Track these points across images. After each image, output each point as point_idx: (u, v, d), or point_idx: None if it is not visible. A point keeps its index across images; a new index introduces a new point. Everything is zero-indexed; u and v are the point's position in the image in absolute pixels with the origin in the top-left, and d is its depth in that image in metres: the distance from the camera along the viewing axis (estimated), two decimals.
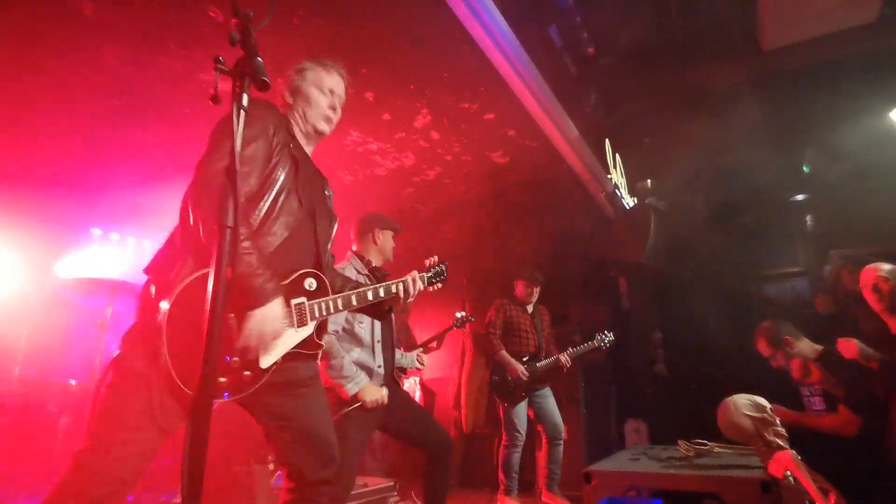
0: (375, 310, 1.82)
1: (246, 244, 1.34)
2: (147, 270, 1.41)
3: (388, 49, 3.14)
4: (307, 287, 1.56)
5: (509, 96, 3.47)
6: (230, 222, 1.03)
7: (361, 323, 2.50)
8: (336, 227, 1.80)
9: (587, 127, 4.22)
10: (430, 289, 1.89)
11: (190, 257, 1.35)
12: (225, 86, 1.02)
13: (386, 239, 2.73)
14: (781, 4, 3.51)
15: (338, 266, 2.53)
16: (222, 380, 1.36)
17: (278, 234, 1.48)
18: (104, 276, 3.90)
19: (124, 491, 1.30)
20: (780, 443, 2.10)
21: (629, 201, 4.94)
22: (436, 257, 1.94)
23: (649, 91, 4.32)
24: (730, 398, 2.31)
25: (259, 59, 1.08)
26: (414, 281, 1.81)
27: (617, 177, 4.68)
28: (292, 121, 1.68)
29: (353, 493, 3.35)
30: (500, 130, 4.11)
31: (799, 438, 2.29)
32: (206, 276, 1.27)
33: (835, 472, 2.37)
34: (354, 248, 2.76)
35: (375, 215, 2.79)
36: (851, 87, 4.03)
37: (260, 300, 1.34)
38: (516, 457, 3.86)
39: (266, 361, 1.44)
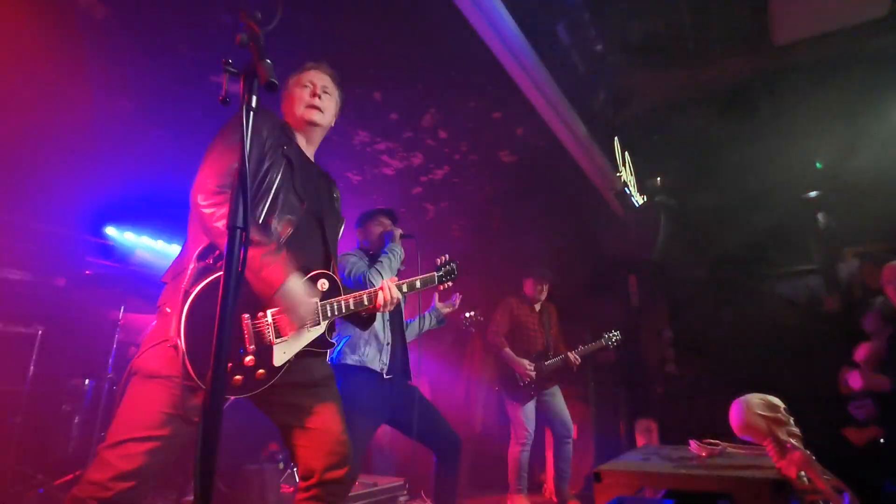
0: (359, 318, 1.80)
1: (262, 249, 1.39)
2: (164, 278, 1.48)
3: (396, 48, 3.14)
4: (320, 287, 1.59)
5: (517, 95, 3.46)
6: (240, 223, 1.03)
7: None
8: (343, 228, 1.83)
9: (595, 125, 4.19)
10: (442, 287, 1.90)
11: (201, 262, 1.41)
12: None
13: (376, 230, 2.76)
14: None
15: (340, 256, 2.54)
16: (237, 377, 1.39)
17: (283, 231, 1.53)
18: (118, 276, 3.94)
19: (145, 486, 1.33)
20: (794, 443, 2.08)
21: (638, 199, 4.91)
22: (447, 255, 1.94)
23: (658, 88, 4.29)
24: (743, 398, 2.29)
25: (268, 60, 1.08)
26: (391, 287, 1.77)
27: (626, 174, 4.65)
28: (294, 127, 1.75)
29: (363, 492, 3.36)
30: (507, 129, 4.10)
31: (813, 439, 2.26)
32: (219, 280, 1.33)
33: (849, 471, 2.34)
34: (359, 242, 2.81)
35: (376, 210, 2.83)
36: (864, 82, 3.98)
37: (279, 279, 1.39)
38: (525, 456, 3.85)
39: (280, 359, 1.46)
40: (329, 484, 1.56)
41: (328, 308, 1.59)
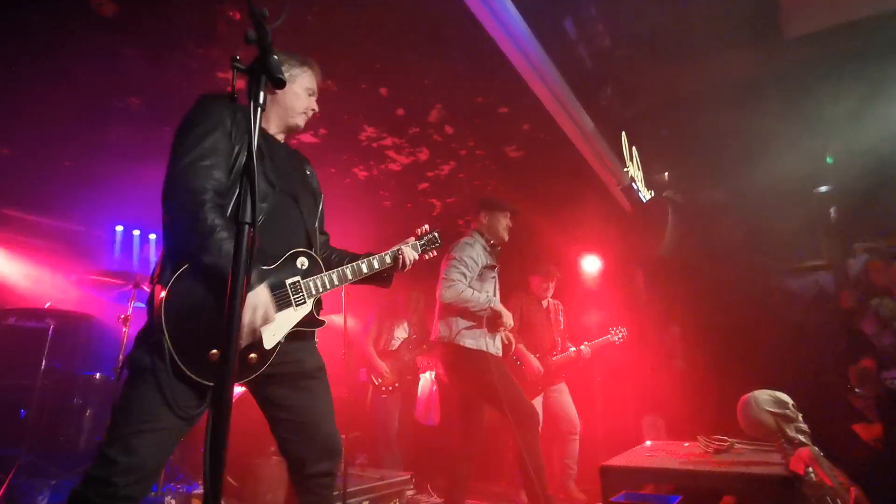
0: (378, 279, 1.85)
1: (224, 234, 1.36)
2: (152, 279, 1.47)
3: (402, 44, 3.14)
4: (299, 266, 1.59)
5: (524, 89, 3.44)
6: (248, 219, 1.04)
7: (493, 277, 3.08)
8: (322, 203, 1.81)
9: (603, 120, 4.16)
10: (426, 256, 1.93)
11: (174, 253, 1.41)
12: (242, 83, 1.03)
13: (501, 221, 3.23)
14: None
15: (463, 240, 3.14)
16: None
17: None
18: (127, 272, 3.97)
19: (148, 480, 1.34)
20: (802, 439, 2.07)
21: (646, 194, 4.88)
22: (427, 226, 1.98)
23: (666, 82, 4.25)
24: (751, 394, 2.28)
25: (275, 57, 1.08)
26: (409, 246, 1.88)
27: (634, 170, 4.62)
28: (266, 111, 1.68)
29: (370, 485, 3.38)
30: (514, 124, 4.08)
31: (821, 435, 2.25)
32: (191, 268, 1.36)
33: (857, 469, 2.32)
34: (477, 224, 3.27)
35: (507, 206, 3.22)
36: (876, 75, 3.91)
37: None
38: None
39: (270, 342, 1.46)
40: (317, 477, 1.58)
41: (311, 285, 1.59)
